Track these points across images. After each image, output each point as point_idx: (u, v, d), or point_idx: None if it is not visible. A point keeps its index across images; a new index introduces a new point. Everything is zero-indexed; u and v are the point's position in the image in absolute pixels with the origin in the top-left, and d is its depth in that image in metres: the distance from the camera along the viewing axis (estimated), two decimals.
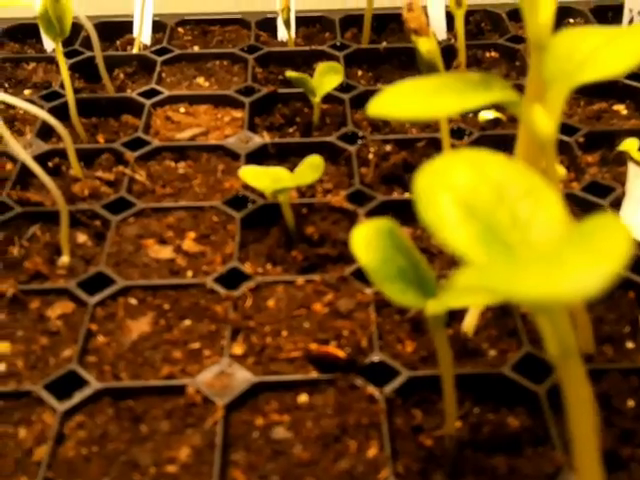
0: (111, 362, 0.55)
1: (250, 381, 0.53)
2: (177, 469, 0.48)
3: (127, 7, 0.99)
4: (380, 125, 0.81)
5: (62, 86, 0.84)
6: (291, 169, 0.66)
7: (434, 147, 0.77)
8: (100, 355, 0.56)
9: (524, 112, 0.42)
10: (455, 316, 0.58)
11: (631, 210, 0.65)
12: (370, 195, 0.70)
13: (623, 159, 0.72)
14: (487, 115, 0.81)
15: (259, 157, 0.76)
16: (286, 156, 0.77)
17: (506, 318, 0.58)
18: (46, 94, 0.86)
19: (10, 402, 0.53)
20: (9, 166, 0.76)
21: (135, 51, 0.96)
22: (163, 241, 0.66)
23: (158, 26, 1.00)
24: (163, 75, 0.92)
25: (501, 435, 0.50)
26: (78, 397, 0.52)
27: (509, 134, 0.70)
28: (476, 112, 0.81)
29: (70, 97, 0.77)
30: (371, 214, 0.67)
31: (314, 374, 0.54)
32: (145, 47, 0.97)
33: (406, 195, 0.71)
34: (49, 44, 0.97)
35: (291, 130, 0.82)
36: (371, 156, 0.75)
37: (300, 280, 0.61)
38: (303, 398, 0.53)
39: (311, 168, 0.64)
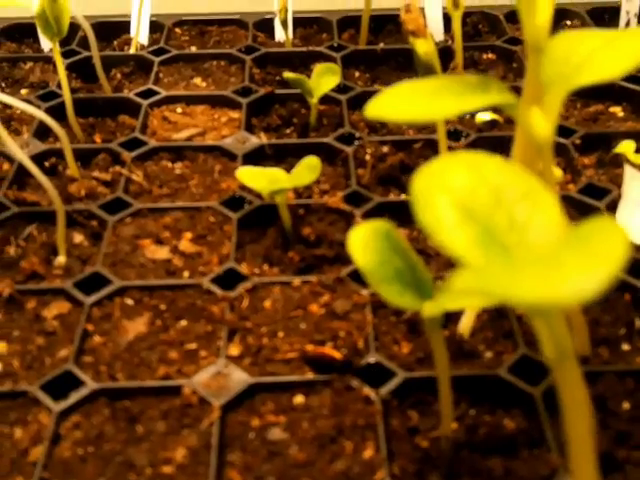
0: (107, 362, 0.55)
1: (246, 382, 0.53)
2: (173, 470, 0.48)
3: (124, 7, 0.99)
4: (377, 126, 0.81)
5: (59, 86, 0.84)
6: (288, 170, 0.66)
7: (431, 148, 0.76)
8: (96, 355, 0.56)
9: (521, 114, 0.42)
10: (451, 318, 0.58)
11: (627, 212, 0.66)
12: (367, 196, 0.70)
13: (619, 161, 0.72)
14: (484, 117, 0.81)
15: (256, 158, 0.76)
16: (283, 157, 0.77)
17: (502, 320, 0.58)
18: (43, 94, 0.86)
19: (6, 402, 0.53)
20: (6, 166, 0.76)
21: (132, 51, 0.95)
22: (160, 241, 0.66)
23: (155, 26, 1.00)
24: (160, 75, 0.92)
25: (497, 437, 0.50)
26: (74, 397, 0.52)
27: (506, 136, 0.70)
28: (473, 114, 0.81)
29: (67, 97, 0.77)
30: (368, 215, 0.67)
31: (310, 375, 0.54)
32: (142, 47, 0.97)
33: (403, 196, 0.71)
34: (46, 44, 0.96)
35: (288, 131, 0.82)
36: (368, 157, 0.75)
37: (297, 281, 0.61)
38: (299, 399, 0.53)
39: (308, 169, 0.64)
